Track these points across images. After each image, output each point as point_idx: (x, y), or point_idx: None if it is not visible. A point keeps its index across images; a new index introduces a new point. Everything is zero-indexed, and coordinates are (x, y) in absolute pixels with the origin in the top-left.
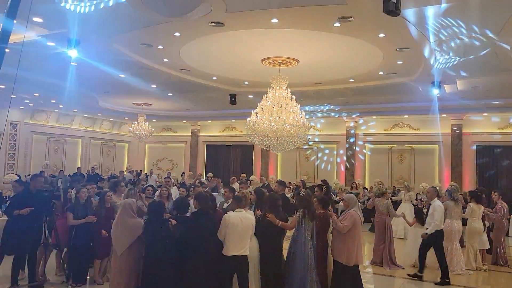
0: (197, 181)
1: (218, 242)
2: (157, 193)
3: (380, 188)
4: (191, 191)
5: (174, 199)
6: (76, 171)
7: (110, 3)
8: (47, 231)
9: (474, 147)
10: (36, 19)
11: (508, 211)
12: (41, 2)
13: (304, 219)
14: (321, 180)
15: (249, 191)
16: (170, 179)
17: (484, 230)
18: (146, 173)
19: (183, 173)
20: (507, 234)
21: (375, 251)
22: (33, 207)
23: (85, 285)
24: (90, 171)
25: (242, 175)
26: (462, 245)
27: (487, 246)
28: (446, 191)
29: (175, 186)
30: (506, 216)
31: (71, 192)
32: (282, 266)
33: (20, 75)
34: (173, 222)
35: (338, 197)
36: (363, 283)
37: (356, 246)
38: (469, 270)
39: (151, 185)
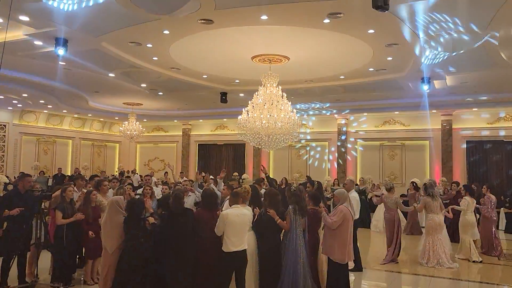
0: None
1: (197, 240)
2: (139, 191)
3: (388, 183)
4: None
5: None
6: (57, 172)
7: (99, 1)
8: (39, 231)
9: (464, 142)
10: (22, 18)
11: (496, 203)
12: (28, 0)
13: (295, 215)
14: (306, 176)
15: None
16: (151, 177)
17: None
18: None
19: (166, 172)
20: (497, 227)
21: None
22: (23, 208)
23: (73, 286)
24: (74, 173)
25: (234, 173)
26: (454, 239)
27: (478, 237)
28: (423, 185)
29: (160, 185)
30: (494, 208)
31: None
32: (280, 261)
33: (7, 75)
34: (151, 220)
35: (330, 194)
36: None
37: (347, 243)
38: (462, 259)
39: (130, 183)
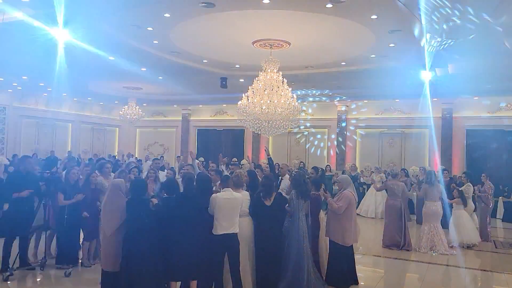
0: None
1: (205, 224)
2: (144, 175)
3: (394, 169)
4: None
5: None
6: (50, 154)
7: None
8: (47, 213)
9: (464, 131)
10: None
11: (494, 191)
12: None
13: (298, 199)
14: (300, 162)
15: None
16: (160, 160)
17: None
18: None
19: (162, 156)
20: (494, 216)
21: (386, 235)
22: (32, 190)
23: (76, 266)
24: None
25: (233, 159)
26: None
27: (477, 224)
28: (427, 174)
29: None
30: (492, 196)
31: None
32: (279, 246)
33: (7, 57)
34: (154, 201)
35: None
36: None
37: (352, 226)
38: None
39: (136, 167)
